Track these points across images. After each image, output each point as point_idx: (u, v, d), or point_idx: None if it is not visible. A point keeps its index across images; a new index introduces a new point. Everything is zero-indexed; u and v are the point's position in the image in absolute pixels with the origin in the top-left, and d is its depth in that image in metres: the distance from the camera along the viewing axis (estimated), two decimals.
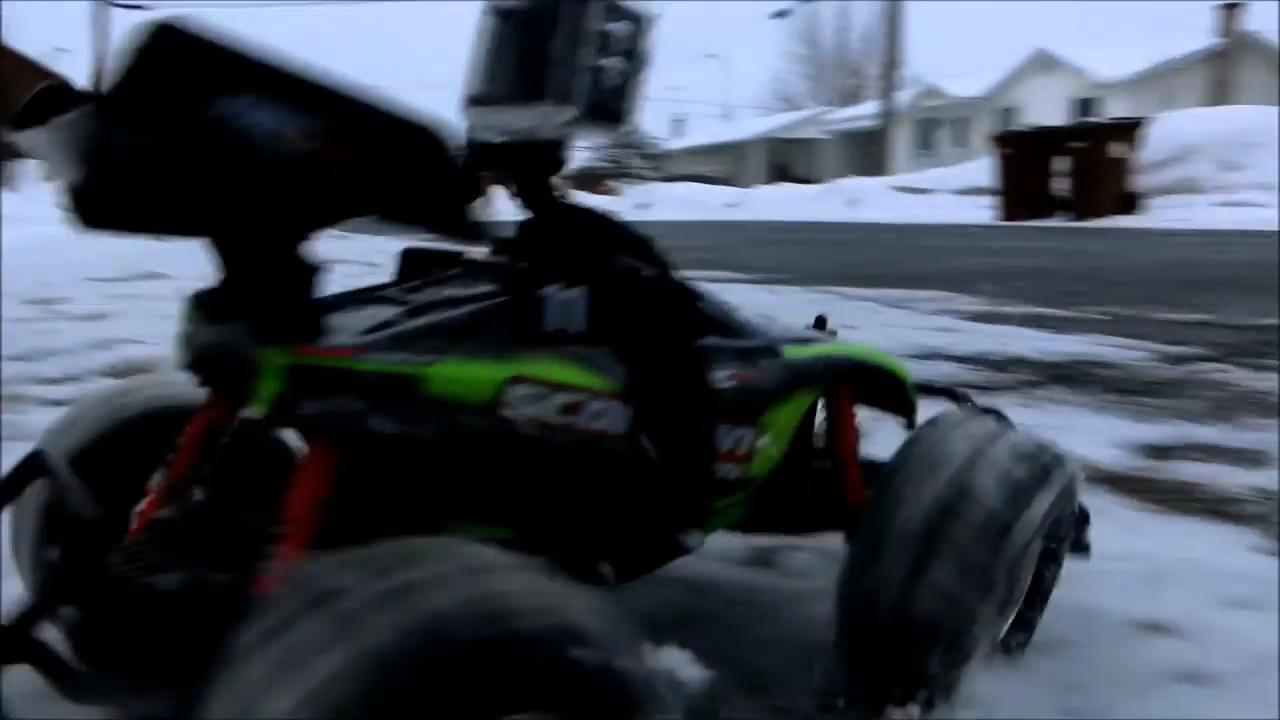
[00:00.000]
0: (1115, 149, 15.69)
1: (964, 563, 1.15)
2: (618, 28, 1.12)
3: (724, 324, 1.25)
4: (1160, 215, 14.96)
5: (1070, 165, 15.64)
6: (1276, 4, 27.30)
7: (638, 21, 1.13)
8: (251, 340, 0.96)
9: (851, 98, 44.41)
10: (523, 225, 1.19)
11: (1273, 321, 4.75)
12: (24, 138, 0.96)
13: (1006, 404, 1.57)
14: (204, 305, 1.07)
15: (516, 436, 1.04)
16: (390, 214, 0.98)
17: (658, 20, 1.16)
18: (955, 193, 19.45)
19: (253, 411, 0.98)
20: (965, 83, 37.35)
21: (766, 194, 25.20)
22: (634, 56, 1.13)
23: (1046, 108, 30.33)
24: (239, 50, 0.81)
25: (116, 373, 3.33)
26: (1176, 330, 4.52)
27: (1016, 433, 1.32)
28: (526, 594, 0.75)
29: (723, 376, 1.20)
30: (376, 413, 0.96)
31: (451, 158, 0.94)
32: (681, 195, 26.16)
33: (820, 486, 1.45)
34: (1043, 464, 1.26)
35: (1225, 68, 27.61)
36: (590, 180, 40.39)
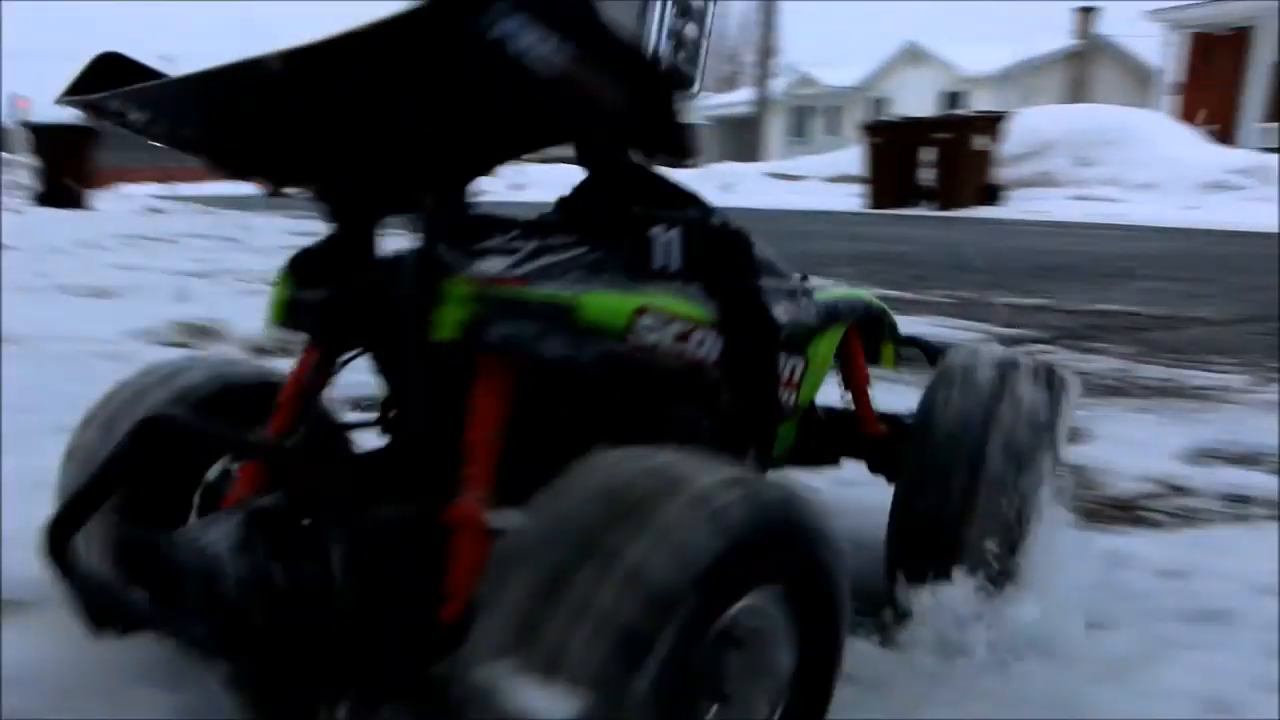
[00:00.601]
0: (979, 141, 16.14)
1: (1011, 474, 1.35)
2: None
3: (772, 267, 1.38)
4: (1019, 206, 15.48)
5: (936, 156, 16.04)
6: (1129, 7, 28.50)
7: None
8: (432, 273, 1.04)
9: (728, 84, 44.77)
10: (583, 185, 1.28)
11: (1104, 307, 4.98)
12: (97, 101, 1.02)
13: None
14: (323, 261, 1.17)
15: (642, 361, 1.13)
16: (616, 142, 1.13)
17: None
18: (826, 180, 19.78)
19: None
20: (839, 72, 38.06)
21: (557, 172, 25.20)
22: (704, 24, 1.21)
23: (916, 99, 31.13)
24: None
25: None
26: (1015, 314, 4.69)
27: (1026, 358, 1.49)
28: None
29: (779, 312, 1.33)
30: (546, 337, 1.05)
31: (675, 92, 1.06)
32: (558, 177, 25.96)
33: (831, 423, 1.64)
34: (1057, 386, 1.46)
35: (1082, 68, 28.79)
36: None
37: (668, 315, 1.14)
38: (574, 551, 0.85)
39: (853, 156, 18.43)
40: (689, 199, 1.31)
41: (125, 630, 1.21)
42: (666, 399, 1.20)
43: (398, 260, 1.13)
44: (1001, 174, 16.57)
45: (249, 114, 0.99)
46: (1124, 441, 2.43)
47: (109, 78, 1.06)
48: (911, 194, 16.04)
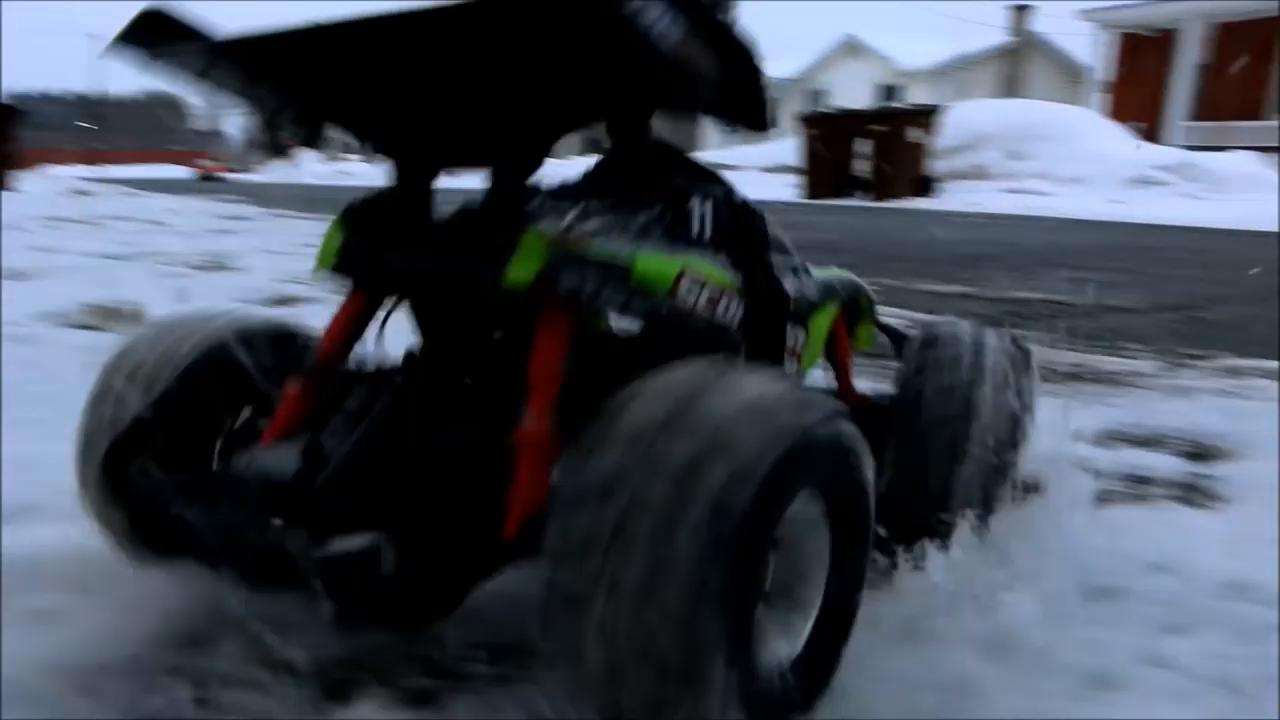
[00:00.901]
0: (913, 134, 16.33)
1: (992, 440, 1.49)
2: None
3: (781, 245, 1.46)
4: (952, 198, 15.69)
5: (871, 147, 16.19)
6: (1061, 6, 28.95)
7: None
8: (513, 223, 1.12)
9: None
10: (608, 159, 1.34)
11: (1024, 295, 5.05)
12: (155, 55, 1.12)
13: None
14: (378, 212, 1.25)
15: (679, 321, 1.22)
16: (707, 110, 1.19)
17: None
18: (763, 170, 19.88)
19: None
20: (777, 64, 38.12)
21: (580, 167, 25.10)
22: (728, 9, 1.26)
23: (854, 91, 31.37)
24: None
25: None
26: (937, 301, 4.74)
27: (993, 333, 1.64)
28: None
29: (788, 285, 1.43)
30: (604, 290, 1.14)
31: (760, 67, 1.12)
32: None
33: None
34: (1025, 357, 1.64)
35: (1015, 64, 29.18)
36: None
37: (702, 279, 1.23)
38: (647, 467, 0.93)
39: (790, 147, 18.53)
40: (710, 176, 1.37)
41: (169, 551, 1.24)
42: (694, 357, 1.27)
43: (470, 212, 1.21)
44: (935, 166, 16.78)
45: (357, 71, 1.09)
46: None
47: (157, 32, 1.12)
48: (847, 185, 16.18)
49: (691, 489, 0.90)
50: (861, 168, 16.20)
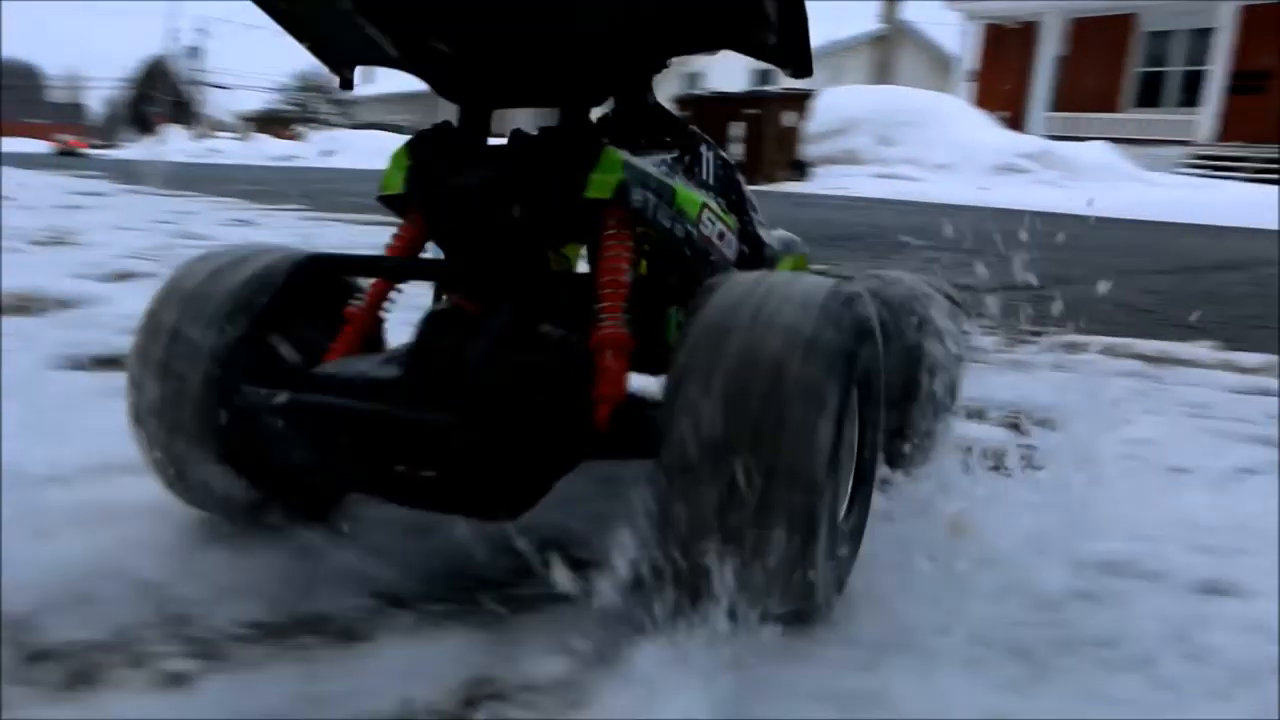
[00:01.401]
0: (786, 118, 16.54)
1: (944, 382, 1.67)
2: None
3: (752, 203, 1.59)
4: (824, 182, 15.93)
5: (745, 131, 16.34)
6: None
7: None
8: (589, 146, 1.22)
9: None
10: (615, 114, 1.40)
11: (878, 273, 5.11)
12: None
13: None
14: (438, 144, 1.31)
15: (698, 246, 1.35)
16: (764, 54, 1.25)
17: None
18: None
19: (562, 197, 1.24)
20: None
21: None
22: None
23: (730, 75, 31.61)
24: None
25: None
26: None
27: (927, 282, 1.81)
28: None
29: (763, 234, 1.59)
30: (659, 209, 1.26)
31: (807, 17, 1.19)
32: (369, 144, 25.28)
33: None
34: (959, 307, 1.80)
35: (887, 51, 29.79)
36: (274, 123, 38.20)
37: (715, 215, 1.38)
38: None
39: None
40: (697, 133, 1.47)
41: (260, 473, 1.32)
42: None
43: (537, 140, 1.28)
44: (808, 150, 17.02)
45: (434, 19, 1.21)
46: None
47: None
48: None
49: (794, 361, 1.02)
50: (735, 150, 16.32)
